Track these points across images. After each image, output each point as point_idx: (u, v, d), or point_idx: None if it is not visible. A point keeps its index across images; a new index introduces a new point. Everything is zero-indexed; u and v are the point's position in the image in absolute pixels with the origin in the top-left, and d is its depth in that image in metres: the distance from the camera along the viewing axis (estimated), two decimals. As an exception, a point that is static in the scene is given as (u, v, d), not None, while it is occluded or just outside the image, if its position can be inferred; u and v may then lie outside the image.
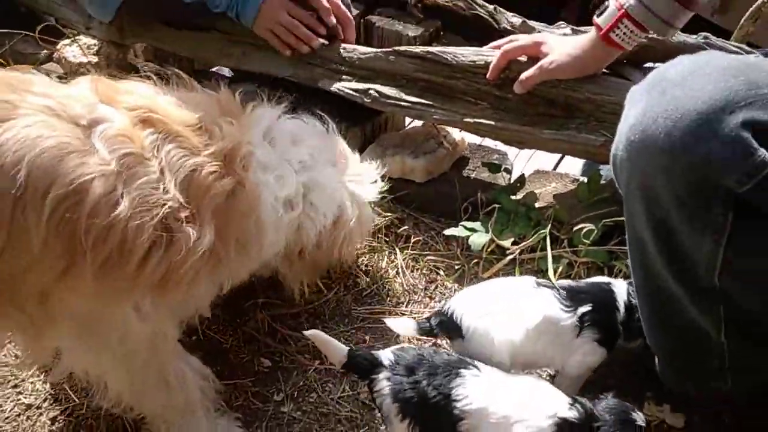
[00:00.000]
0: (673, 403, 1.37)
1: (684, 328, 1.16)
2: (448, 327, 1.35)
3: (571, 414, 1.19)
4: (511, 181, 1.86)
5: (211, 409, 1.32)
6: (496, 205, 1.70)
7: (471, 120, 1.70)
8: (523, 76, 1.58)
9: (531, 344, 1.30)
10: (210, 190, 1.14)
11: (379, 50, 1.88)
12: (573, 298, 1.33)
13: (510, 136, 1.67)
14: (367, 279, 1.72)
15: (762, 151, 0.87)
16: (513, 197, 1.75)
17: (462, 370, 1.26)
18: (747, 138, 0.86)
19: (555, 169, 2.50)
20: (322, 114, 1.55)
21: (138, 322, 1.15)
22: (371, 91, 1.85)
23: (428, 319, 1.39)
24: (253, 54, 2.07)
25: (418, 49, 1.81)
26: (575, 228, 1.62)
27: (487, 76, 1.65)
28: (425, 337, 1.50)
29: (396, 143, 1.96)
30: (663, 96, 0.93)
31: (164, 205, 1.07)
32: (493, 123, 1.65)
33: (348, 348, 1.34)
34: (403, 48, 1.84)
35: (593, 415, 1.20)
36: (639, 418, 1.19)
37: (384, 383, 1.28)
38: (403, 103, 1.81)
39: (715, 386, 1.26)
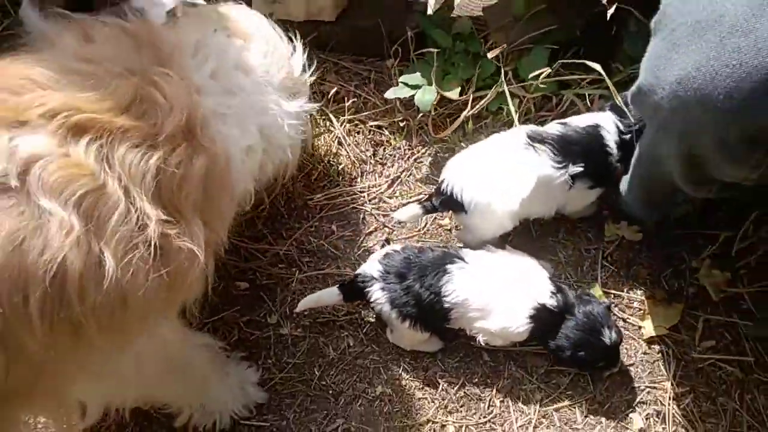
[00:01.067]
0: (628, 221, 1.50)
1: (668, 194, 1.21)
2: (450, 204, 1.37)
3: (551, 302, 1.28)
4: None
5: (224, 371, 1.30)
6: (433, 50, 1.51)
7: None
8: None
9: (529, 206, 1.35)
10: (185, 185, 0.93)
11: None
12: (564, 151, 1.32)
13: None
14: (311, 159, 1.58)
15: None
16: (443, 32, 1.55)
17: (448, 266, 1.30)
18: None
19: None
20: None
21: (150, 345, 1.04)
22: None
23: (429, 199, 1.39)
24: None
25: None
26: (521, 57, 1.51)
27: None
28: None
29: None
30: (722, 46, 0.79)
31: (146, 231, 0.88)
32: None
33: (336, 287, 1.35)
34: None
35: (571, 309, 1.29)
36: (607, 336, 1.27)
37: (379, 293, 1.31)
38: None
39: (676, 212, 1.37)
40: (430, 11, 1.47)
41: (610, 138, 1.35)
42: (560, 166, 1.32)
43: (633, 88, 0.98)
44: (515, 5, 1.55)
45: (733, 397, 1.35)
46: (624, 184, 1.36)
